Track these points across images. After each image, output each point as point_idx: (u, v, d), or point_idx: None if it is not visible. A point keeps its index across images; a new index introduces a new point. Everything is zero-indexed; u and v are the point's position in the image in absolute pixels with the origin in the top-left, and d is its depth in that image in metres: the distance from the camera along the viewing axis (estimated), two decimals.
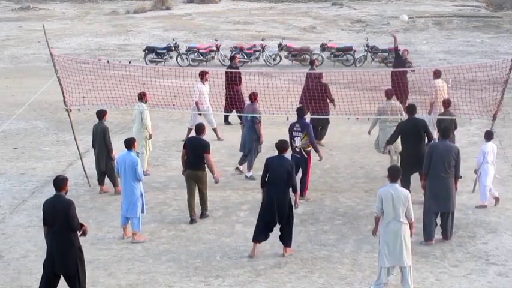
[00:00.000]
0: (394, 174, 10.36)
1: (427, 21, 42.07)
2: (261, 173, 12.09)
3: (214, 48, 30.68)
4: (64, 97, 15.19)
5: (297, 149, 14.13)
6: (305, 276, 11.04)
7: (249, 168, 15.59)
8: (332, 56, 30.10)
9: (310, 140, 14.10)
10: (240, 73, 20.31)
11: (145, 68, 26.00)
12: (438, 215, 12.22)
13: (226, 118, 20.21)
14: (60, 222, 9.63)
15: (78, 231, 9.72)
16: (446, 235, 12.23)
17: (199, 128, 13.43)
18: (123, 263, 11.56)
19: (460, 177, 12.57)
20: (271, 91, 18.32)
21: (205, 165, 13.10)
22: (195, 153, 13.05)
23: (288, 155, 12.22)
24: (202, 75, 18.38)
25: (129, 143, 12.47)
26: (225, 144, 17.99)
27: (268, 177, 11.71)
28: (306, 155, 14.10)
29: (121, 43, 37.08)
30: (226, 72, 20.15)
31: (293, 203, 11.85)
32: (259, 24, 42.18)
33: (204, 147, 13.04)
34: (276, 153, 11.92)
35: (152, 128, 16.03)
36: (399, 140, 14.37)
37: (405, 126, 14.04)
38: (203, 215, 13.37)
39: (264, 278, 10.99)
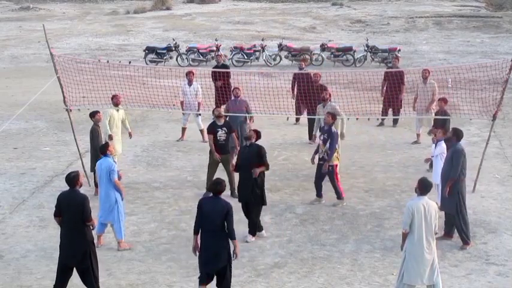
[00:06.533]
0: (425, 186, 9.77)
1: (427, 21, 42.10)
2: None
3: (214, 48, 30.69)
4: (64, 97, 15.19)
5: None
6: (305, 276, 11.03)
7: None
8: (332, 56, 30.12)
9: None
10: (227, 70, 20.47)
11: (145, 68, 26.06)
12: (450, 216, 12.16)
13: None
14: (74, 216, 9.79)
15: (89, 222, 9.89)
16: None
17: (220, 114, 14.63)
18: (123, 263, 11.56)
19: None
20: (271, 91, 18.33)
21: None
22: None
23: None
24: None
25: (103, 149, 12.36)
26: None
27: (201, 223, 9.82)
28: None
29: (121, 43, 37.10)
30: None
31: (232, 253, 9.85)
32: (259, 24, 42.20)
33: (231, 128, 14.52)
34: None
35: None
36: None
37: None
38: (234, 193, 13.93)
39: (264, 278, 10.99)
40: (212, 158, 14.46)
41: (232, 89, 17.27)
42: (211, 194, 9.83)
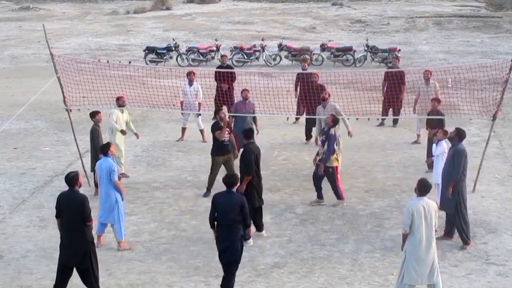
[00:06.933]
0: (424, 187, 9.79)
1: (427, 21, 42.09)
2: None
3: (214, 48, 30.70)
4: (64, 97, 15.18)
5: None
6: (305, 276, 11.03)
7: None
8: (332, 56, 30.11)
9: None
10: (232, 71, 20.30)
11: (145, 68, 26.07)
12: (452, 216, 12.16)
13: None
14: (74, 216, 9.81)
15: (89, 222, 9.89)
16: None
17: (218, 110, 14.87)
18: (123, 263, 11.56)
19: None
20: (271, 91, 18.32)
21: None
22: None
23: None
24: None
25: (103, 148, 12.34)
26: None
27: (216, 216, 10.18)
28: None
29: (121, 43, 37.10)
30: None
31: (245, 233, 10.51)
32: (259, 24, 42.20)
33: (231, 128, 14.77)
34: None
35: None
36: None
37: None
38: None
39: (264, 278, 10.99)
40: (215, 160, 14.45)
41: (241, 90, 17.05)
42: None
